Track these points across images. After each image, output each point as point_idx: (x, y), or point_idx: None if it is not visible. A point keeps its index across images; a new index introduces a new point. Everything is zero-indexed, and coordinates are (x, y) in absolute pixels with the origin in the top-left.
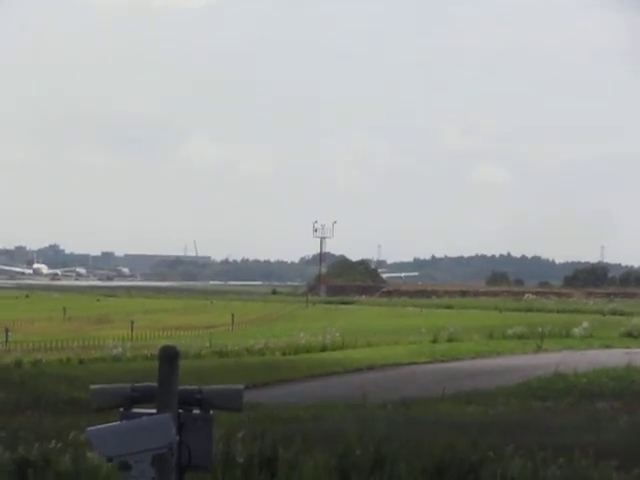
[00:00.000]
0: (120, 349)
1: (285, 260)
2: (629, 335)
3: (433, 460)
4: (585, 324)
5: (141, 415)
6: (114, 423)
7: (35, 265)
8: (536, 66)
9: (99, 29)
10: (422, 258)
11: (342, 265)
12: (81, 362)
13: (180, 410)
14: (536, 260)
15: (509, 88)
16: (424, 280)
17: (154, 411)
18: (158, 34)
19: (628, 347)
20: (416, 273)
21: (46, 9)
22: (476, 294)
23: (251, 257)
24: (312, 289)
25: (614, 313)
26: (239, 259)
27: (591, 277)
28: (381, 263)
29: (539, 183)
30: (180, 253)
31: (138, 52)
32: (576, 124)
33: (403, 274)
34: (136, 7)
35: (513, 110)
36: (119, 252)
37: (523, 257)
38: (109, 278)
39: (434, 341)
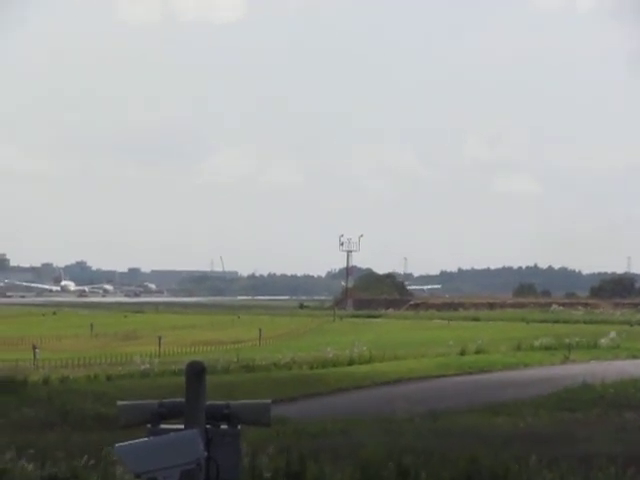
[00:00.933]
0: (148, 365)
1: (312, 274)
2: None
3: (458, 471)
4: (612, 334)
5: (169, 431)
6: (142, 439)
7: (63, 282)
8: (565, 75)
9: (133, 44)
10: (449, 270)
11: (369, 278)
12: (109, 378)
13: (208, 425)
14: (563, 271)
15: (536, 98)
16: (451, 292)
17: (182, 427)
18: (187, 48)
19: None
20: (439, 286)
21: (77, 24)
22: (503, 306)
23: (278, 272)
24: (339, 303)
25: None
26: (266, 274)
27: (618, 288)
28: (407, 276)
29: (565, 194)
30: (207, 268)
31: (167, 64)
32: (604, 134)
33: (426, 287)
34: (166, 22)
35: (540, 120)
36: (145, 268)
37: (550, 268)
38: (136, 294)
39: (462, 353)
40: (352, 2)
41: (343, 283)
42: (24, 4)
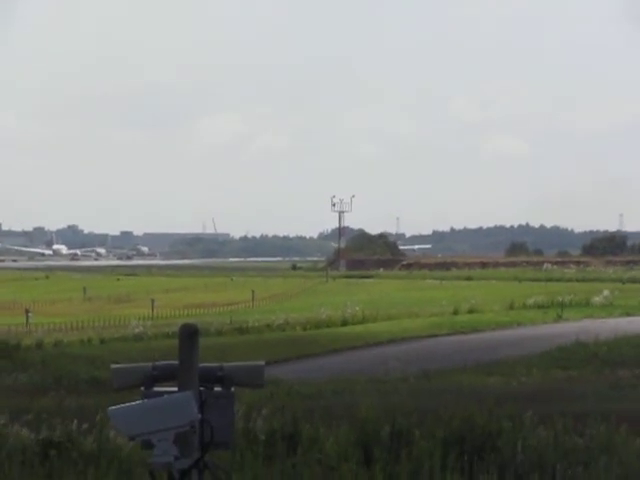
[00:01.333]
0: (141, 328)
1: (304, 235)
2: None
3: (452, 431)
4: (605, 292)
5: (162, 394)
6: (136, 402)
7: (55, 246)
8: (551, 36)
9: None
10: (441, 230)
11: (361, 239)
12: (102, 342)
13: (201, 388)
14: (555, 230)
15: (525, 59)
16: (443, 252)
17: (175, 389)
18: (179, 12)
19: None
20: (429, 246)
21: None
22: (495, 265)
23: (270, 233)
24: (332, 264)
25: (634, 281)
26: (258, 235)
27: (610, 245)
28: (400, 236)
29: (556, 153)
30: (199, 231)
31: (160, 27)
32: (593, 94)
33: (416, 247)
34: None
35: (529, 81)
36: (138, 231)
37: (542, 227)
38: (128, 257)
39: (455, 313)
40: None
41: (333, 244)
42: None
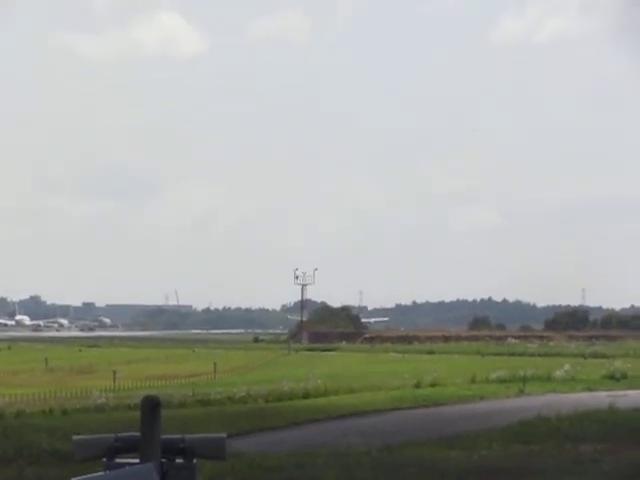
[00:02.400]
0: (103, 399)
1: (267, 307)
2: (611, 377)
3: None
4: (567, 367)
5: (124, 465)
6: (98, 474)
7: (17, 316)
8: (520, 106)
9: (88, 79)
10: (403, 304)
11: (324, 312)
12: (64, 413)
13: (163, 459)
14: (517, 304)
15: (491, 130)
16: (406, 326)
17: (137, 461)
18: (146, 84)
19: (610, 390)
20: (386, 318)
21: (34, 61)
22: (458, 339)
23: (233, 305)
24: (294, 336)
25: (596, 356)
26: (220, 307)
27: (572, 320)
28: (362, 309)
29: (521, 227)
30: (161, 302)
31: (121, 101)
32: (558, 168)
33: (373, 320)
34: (125, 58)
35: (494, 153)
36: (100, 302)
37: (504, 301)
38: (90, 329)
39: (417, 386)
40: (315, 34)
41: (289, 316)
42: None
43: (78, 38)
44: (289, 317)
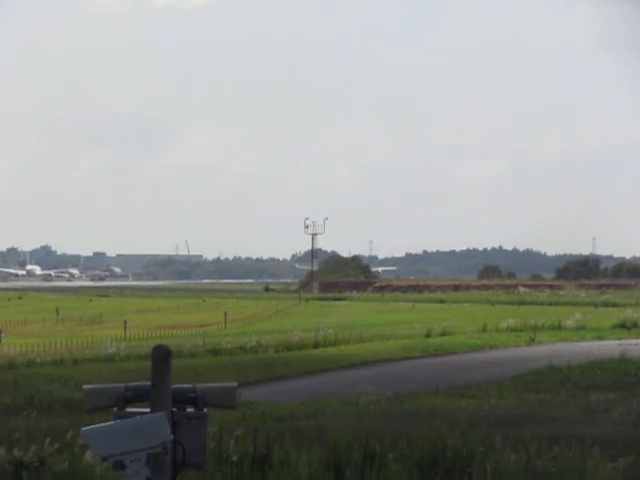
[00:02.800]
0: (114, 349)
1: (277, 257)
2: (622, 326)
3: (424, 454)
4: (577, 316)
5: (135, 414)
6: (108, 423)
7: (28, 266)
8: (528, 60)
9: (96, 33)
10: (414, 252)
11: (334, 261)
12: (75, 362)
13: (174, 409)
14: (528, 253)
15: (498, 82)
16: (416, 274)
17: (148, 410)
18: (155, 34)
19: (621, 338)
20: (394, 267)
21: (42, 18)
22: (468, 288)
23: (243, 255)
24: (305, 286)
25: (606, 305)
26: (231, 257)
27: (583, 269)
28: (372, 258)
29: (530, 176)
30: (172, 252)
31: (130, 52)
32: (567, 118)
33: (381, 269)
34: (134, 10)
35: (504, 104)
36: (111, 252)
37: (514, 250)
38: (101, 278)
39: (427, 335)
40: None
41: (298, 266)
42: None
43: None
44: (297, 267)
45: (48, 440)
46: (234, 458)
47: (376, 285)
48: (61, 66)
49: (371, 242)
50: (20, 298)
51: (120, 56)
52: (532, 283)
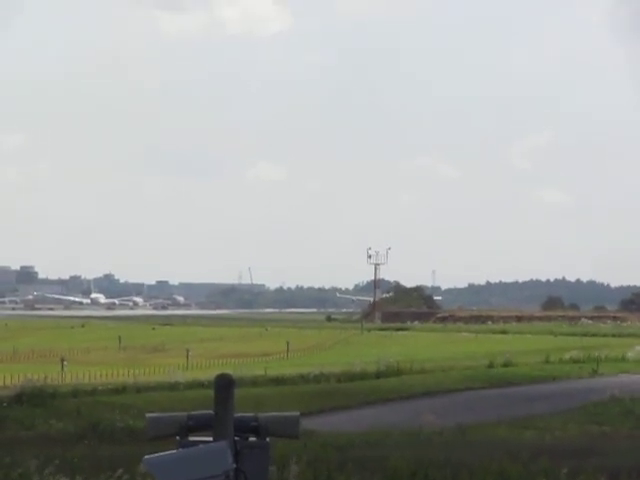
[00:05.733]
0: (177, 378)
1: (339, 287)
2: None
3: None
4: (639, 348)
5: (198, 443)
6: (171, 451)
7: (93, 294)
8: (599, 93)
9: (170, 56)
10: (477, 283)
11: (396, 291)
12: (137, 391)
13: (236, 438)
14: (591, 284)
15: (568, 111)
16: (479, 305)
17: (210, 439)
18: (228, 61)
19: None
20: (439, 297)
21: (118, 37)
22: (531, 319)
23: (305, 284)
24: (367, 316)
25: None
26: (293, 286)
27: None
28: (435, 289)
29: (593, 207)
30: (235, 281)
31: (199, 79)
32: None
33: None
34: (208, 35)
35: (572, 133)
36: (173, 280)
37: (578, 281)
38: (164, 307)
39: (490, 366)
40: (398, 14)
41: (354, 299)
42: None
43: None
44: (354, 300)
45: (111, 468)
46: None
47: (438, 315)
48: (136, 93)
49: (434, 272)
50: (83, 326)
51: (189, 81)
52: (595, 315)
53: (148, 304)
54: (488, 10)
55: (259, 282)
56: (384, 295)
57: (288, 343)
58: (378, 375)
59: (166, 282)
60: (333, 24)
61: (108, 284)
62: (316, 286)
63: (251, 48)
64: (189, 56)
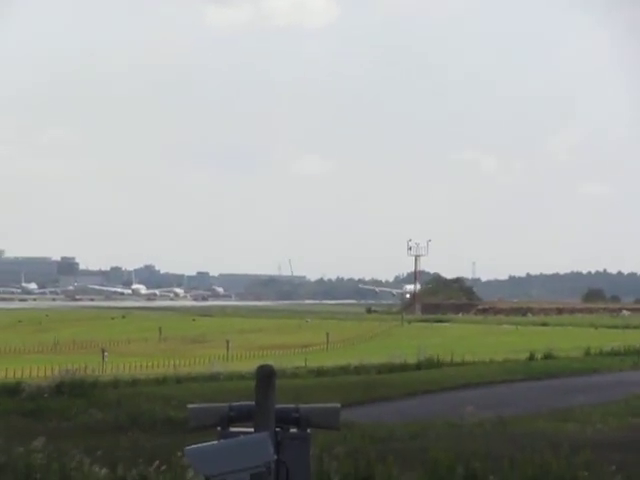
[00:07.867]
0: (217, 368)
1: (380, 279)
2: None
3: (526, 477)
4: None
5: (239, 434)
6: (212, 442)
7: (134, 285)
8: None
9: (215, 47)
10: (517, 275)
11: (437, 283)
12: (178, 381)
13: (277, 429)
14: (632, 276)
15: (619, 102)
16: (519, 297)
17: (251, 430)
18: (274, 54)
19: None
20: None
21: (163, 28)
22: (572, 311)
23: (346, 276)
24: (407, 307)
25: None
26: (334, 278)
27: None
28: (476, 281)
29: (635, 199)
30: (274, 272)
31: (242, 69)
32: None
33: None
34: (254, 26)
35: (612, 123)
36: (213, 272)
37: (619, 273)
38: (204, 298)
39: (530, 358)
40: (444, 12)
41: (394, 293)
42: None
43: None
44: (394, 293)
45: (151, 459)
46: (336, 478)
47: (479, 307)
48: (182, 83)
49: (474, 264)
50: (124, 317)
51: (231, 71)
52: (636, 307)
53: (188, 295)
54: (535, 11)
55: (299, 274)
56: (424, 287)
57: (328, 334)
58: (418, 367)
59: (206, 273)
60: (381, 18)
61: (149, 275)
62: (356, 277)
63: (299, 41)
64: (236, 49)
